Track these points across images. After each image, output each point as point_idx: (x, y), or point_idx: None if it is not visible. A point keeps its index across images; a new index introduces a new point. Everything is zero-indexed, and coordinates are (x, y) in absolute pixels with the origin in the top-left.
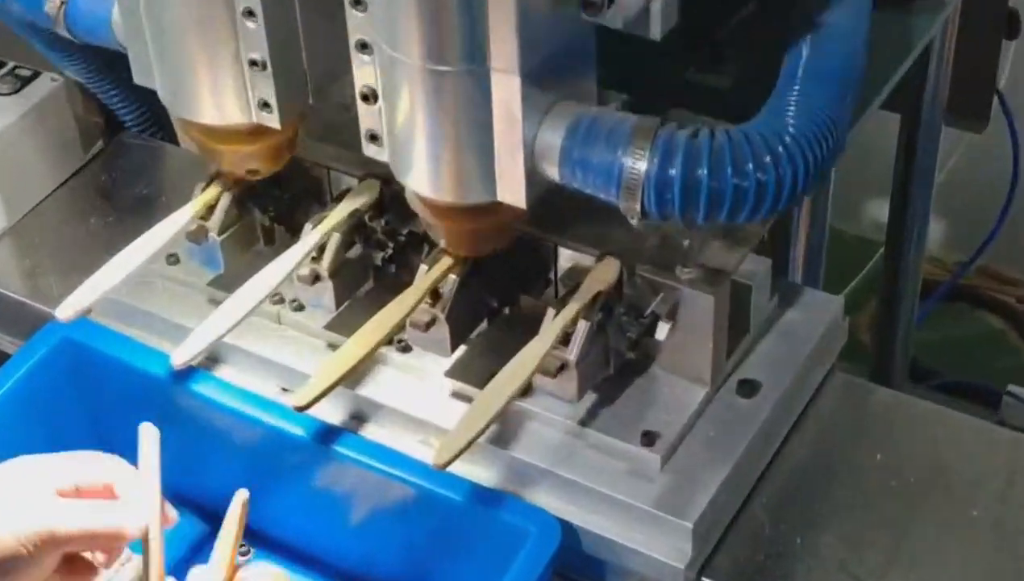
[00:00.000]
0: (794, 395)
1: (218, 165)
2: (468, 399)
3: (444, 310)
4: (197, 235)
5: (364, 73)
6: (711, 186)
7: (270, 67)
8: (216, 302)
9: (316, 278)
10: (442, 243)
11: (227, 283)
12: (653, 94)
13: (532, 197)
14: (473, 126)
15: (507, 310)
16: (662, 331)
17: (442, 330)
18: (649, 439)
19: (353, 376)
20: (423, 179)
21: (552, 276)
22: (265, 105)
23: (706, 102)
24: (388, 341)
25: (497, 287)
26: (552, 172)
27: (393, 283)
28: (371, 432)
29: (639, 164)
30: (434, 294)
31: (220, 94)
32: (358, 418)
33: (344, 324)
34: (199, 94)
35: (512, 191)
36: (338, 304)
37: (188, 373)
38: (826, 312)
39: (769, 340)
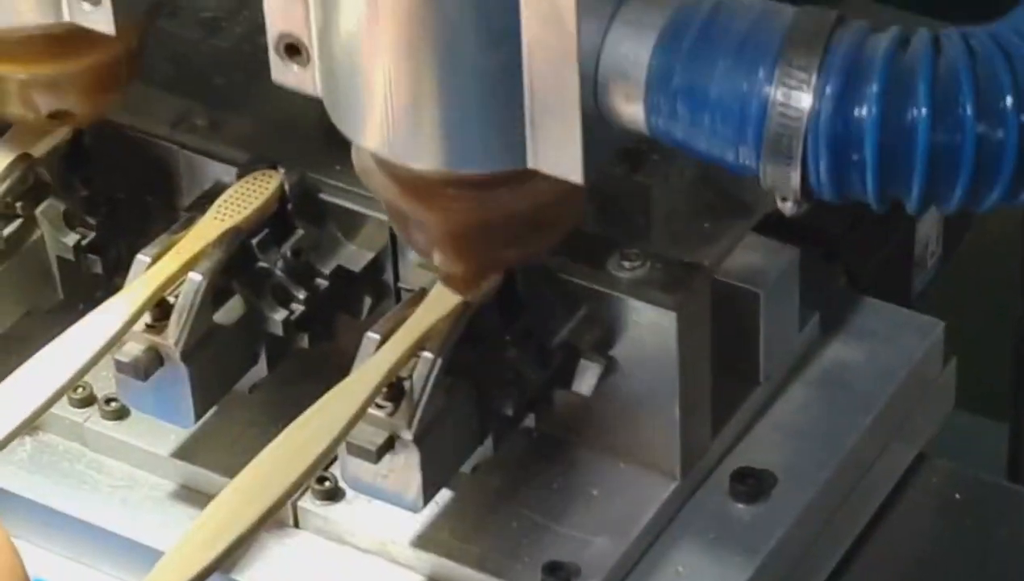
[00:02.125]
0: (841, 502)
1: None
2: None
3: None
4: None
5: None
6: (935, 140)
7: None
8: None
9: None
10: (414, 255)
11: None
12: None
13: (593, 163)
14: (487, 32)
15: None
16: (586, 378)
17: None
18: (559, 578)
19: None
20: (387, 129)
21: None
22: None
23: None
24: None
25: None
26: (631, 114)
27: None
28: None
29: (799, 96)
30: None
31: None
32: None
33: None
34: None
35: (557, 152)
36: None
37: None
38: (915, 349)
39: (796, 397)
